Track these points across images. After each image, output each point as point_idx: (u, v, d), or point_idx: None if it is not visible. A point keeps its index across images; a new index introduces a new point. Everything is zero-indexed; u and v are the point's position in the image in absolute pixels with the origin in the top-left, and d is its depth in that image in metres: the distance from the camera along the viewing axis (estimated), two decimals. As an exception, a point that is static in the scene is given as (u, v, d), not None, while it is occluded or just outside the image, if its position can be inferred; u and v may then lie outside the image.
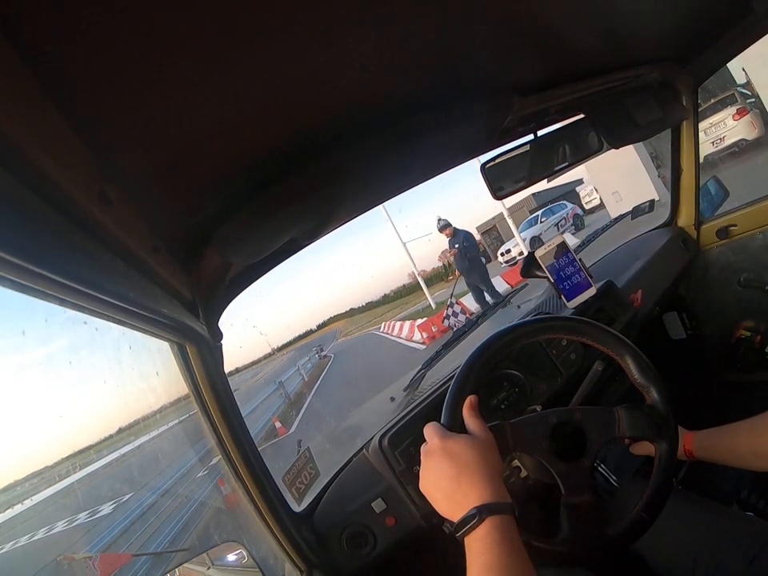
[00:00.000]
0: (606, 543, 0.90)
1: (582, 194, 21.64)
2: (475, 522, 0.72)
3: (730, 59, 1.61)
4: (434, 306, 21.78)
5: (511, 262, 18.85)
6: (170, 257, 0.79)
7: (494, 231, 37.74)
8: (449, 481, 0.79)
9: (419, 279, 23.08)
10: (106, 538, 7.47)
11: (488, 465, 0.79)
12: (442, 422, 0.90)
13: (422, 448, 0.86)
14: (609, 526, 0.91)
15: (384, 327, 23.29)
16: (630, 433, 0.93)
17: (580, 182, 22.82)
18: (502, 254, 20.62)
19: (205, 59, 0.51)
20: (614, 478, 1.41)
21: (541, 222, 20.23)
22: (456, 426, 0.89)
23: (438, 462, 0.82)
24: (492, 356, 0.99)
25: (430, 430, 0.87)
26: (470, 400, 0.90)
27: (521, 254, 18.20)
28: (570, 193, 24.07)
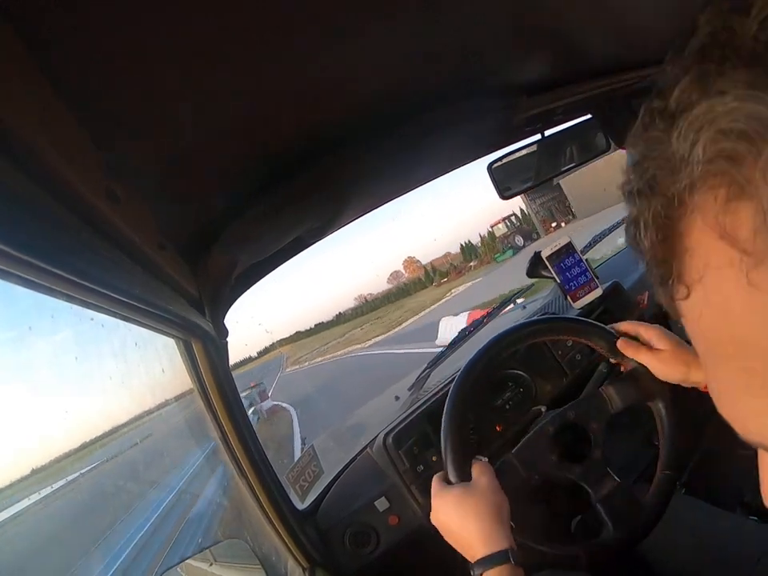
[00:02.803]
0: (646, 519, 0.92)
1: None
2: None
3: None
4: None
5: None
6: (177, 254, 0.79)
7: (554, 191, 28.42)
8: (455, 537, 0.84)
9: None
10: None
11: (483, 514, 0.82)
12: (448, 476, 0.93)
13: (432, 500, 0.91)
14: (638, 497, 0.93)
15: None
16: (623, 405, 0.96)
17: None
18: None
19: (213, 59, 0.51)
20: (619, 479, 1.40)
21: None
22: (463, 478, 0.90)
23: (440, 521, 0.87)
24: (470, 389, 0.98)
25: (433, 488, 0.92)
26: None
27: None
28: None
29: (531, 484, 1.08)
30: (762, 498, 0.30)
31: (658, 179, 0.23)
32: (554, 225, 29.76)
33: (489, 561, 0.75)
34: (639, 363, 0.95)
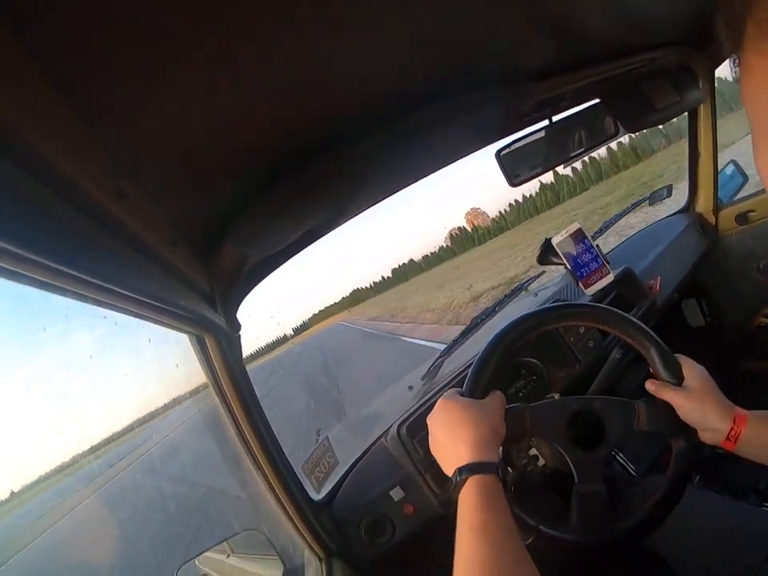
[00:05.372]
0: (612, 536, 0.92)
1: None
2: (458, 481, 0.77)
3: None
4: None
5: None
6: (188, 250, 0.79)
7: None
8: (445, 440, 0.85)
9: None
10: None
11: (482, 426, 0.83)
12: (463, 389, 0.95)
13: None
14: (618, 520, 0.92)
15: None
16: (648, 428, 0.94)
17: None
18: None
19: (218, 55, 0.51)
20: (633, 467, 1.40)
21: None
22: (475, 395, 0.93)
23: (438, 421, 0.88)
24: (516, 338, 1.01)
25: (445, 393, 0.93)
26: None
27: None
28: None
29: (546, 474, 1.08)
30: None
31: None
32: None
33: (477, 467, 0.76)
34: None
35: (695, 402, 0.89)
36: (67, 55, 0.41)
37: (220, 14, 0.46)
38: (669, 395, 0.92)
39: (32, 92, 0.40)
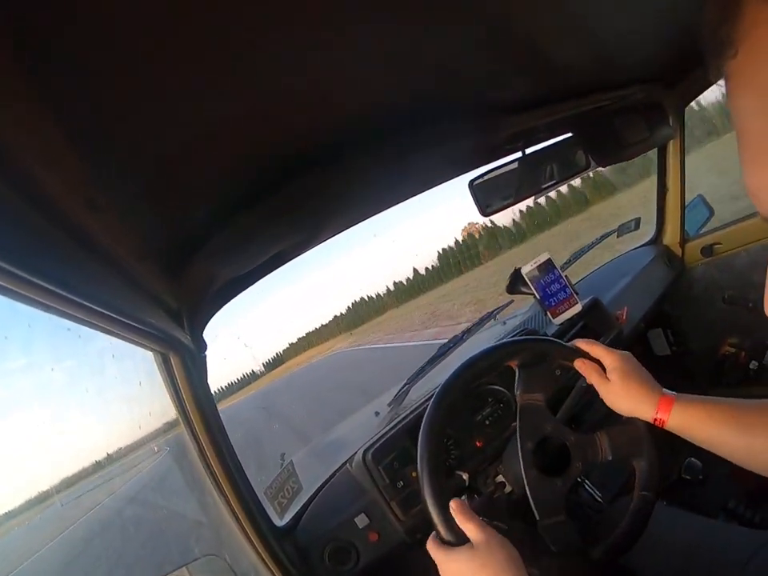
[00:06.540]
0: (622, 539, 0.93)
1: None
2: None
3: (717, 81, 1.64)
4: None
5: None
6: (157, 266, 0.78)
7: None
8: None
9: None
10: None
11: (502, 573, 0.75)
12: (440, 536, 0.85)
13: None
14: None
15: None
16: (611, 456, 0.96)
17: None
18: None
19: (196, 71, 0.51)
20: (599, 494, 1.41)
21: None
22: (453, 538, 0.82)
23: None
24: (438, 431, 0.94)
25: (431, 552, 0.83)
26: (454, 504, 0.83)
27: None
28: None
29: (512, 500, 1.07)
30: (745, 504, 0.32)
31: None
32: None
33: None
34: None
35: (617, 388, 0.93)
36: (51, 69, 0.41)
37: (195, 34, 0.46)
38: (594, 379, 0.96)
39: (11, 98, 0.40)
